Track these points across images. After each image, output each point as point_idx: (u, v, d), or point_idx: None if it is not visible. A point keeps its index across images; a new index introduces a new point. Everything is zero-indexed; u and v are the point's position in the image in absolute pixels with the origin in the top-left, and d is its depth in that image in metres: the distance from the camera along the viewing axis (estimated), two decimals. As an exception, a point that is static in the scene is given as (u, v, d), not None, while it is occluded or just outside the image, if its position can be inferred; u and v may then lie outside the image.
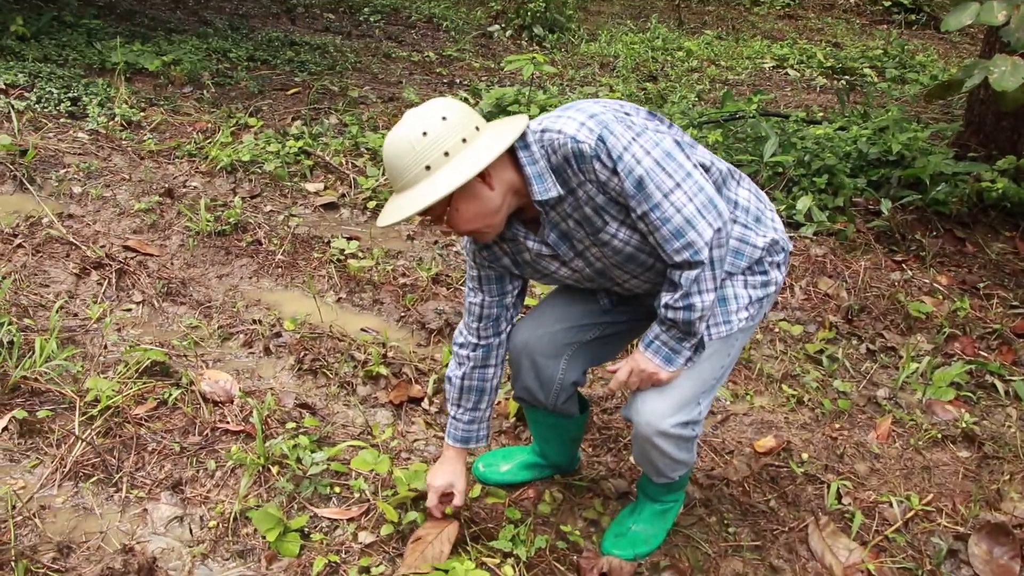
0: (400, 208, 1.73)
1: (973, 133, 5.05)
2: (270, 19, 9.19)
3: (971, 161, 4.73)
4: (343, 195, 4.42)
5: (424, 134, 1.71)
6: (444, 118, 1.72)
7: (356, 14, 9.84)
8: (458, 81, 7.16)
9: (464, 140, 1.72)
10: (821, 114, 6.20)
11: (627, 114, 1.80)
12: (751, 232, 1.96)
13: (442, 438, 2.58)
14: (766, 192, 4.52)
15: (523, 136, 1.80)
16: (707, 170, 1.89)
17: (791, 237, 4.18)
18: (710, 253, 1.76)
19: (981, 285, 3.93)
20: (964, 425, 2.89)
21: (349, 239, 3.89)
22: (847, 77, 8.11)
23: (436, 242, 4.03)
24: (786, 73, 8.28)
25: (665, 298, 1.84)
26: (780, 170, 4.58)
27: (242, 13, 9.29)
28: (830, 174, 4.58)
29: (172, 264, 3.64)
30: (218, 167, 4.55)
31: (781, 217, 4.26)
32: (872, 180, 4.67)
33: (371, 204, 4.29)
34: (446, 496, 2.17)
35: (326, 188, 4.49)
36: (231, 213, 3.96)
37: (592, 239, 1.86)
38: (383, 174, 4.23)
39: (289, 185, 4.48)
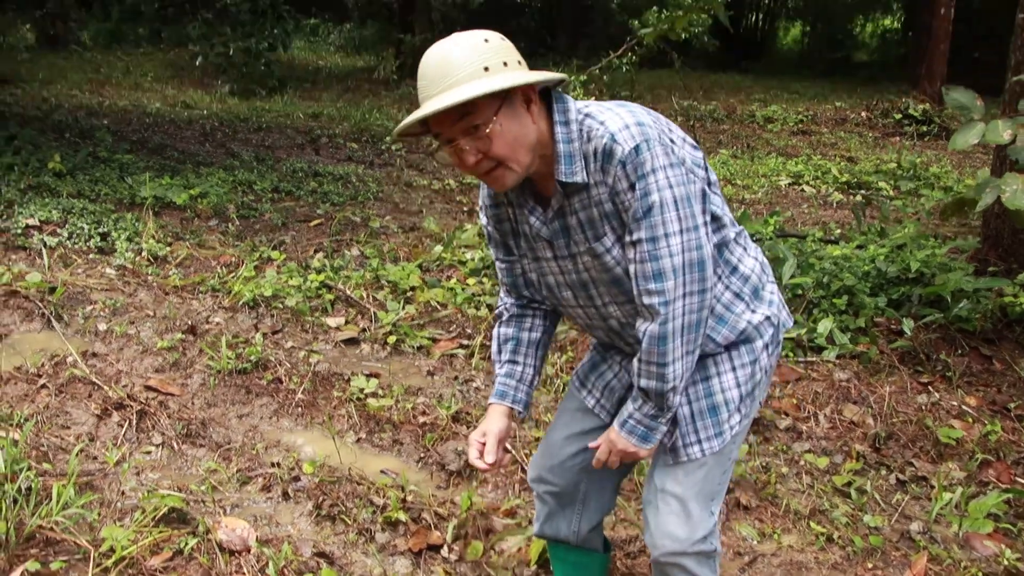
0: (450, 96, 1.65)
1: (991, 247, 5.04)
2: (295, 150, 9.49)
3: (991, 276, 4.71)
4: (364, 330, 4.44)
5: (486, 40, 1.70)
6: (501, 37, 1.75)
7: (378, 143, 10.13)
8: (478, 209, 7.28)
9: (519, 62, 1.73)
10: (839, 231, 6.23)
11: (672, 141, 1.76)
12: (742, 303, 1.89)
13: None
14: (786, 315, 4.51)
15: (565, 111, 1.78)
16: (718, 220, 1.86)
17: (812, 362, 4.14)
18: (681, 318, 1.73)
19: (1012, 405, 3.84)
20: (1006, 562, 2.78)
21: (369, 376, 3.89)
22: (862, 191, 8.19)
23: (456, 377, 4.02)
24: (802, 190, 8.38)
25: (636, 363, 1.81)
26: (800, 292, 4.57)
27: (268, 144, 9.62)
28: (850, 294, 4.56)
29: (193, 404, 3.65)
30: (240, 302, 4.61)
31: (801, 341, 4.25)
32: (893, 299, 4.65)
33: (391, 339, 4.31)
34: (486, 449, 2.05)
35: (347, 323, 4.53)
36: (252, 350, 3.98)
37: (588, 246, 1.82)
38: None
39: (310, 320, 4.52)
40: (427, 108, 1.67)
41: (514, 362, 2.08)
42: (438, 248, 5.62)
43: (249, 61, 13.55)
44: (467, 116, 1.68)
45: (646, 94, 15.61)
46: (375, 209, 7.05)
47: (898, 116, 13.00)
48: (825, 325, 4.25)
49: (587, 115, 1.76)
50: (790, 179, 8.77)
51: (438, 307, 4.72)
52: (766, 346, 1.92)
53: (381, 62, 16.87)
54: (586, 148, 1.73)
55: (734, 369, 1.90)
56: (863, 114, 13.60)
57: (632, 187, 1.69)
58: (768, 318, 1.92)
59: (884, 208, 6.45)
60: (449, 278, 5.15)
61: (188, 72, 15.48)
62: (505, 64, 1.68)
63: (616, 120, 1.70)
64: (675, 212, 1.69)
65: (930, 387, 3.98)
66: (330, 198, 7.22)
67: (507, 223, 1.98)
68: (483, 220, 2.03)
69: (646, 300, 1.74)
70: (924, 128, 12.41)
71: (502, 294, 2.12)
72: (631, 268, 1.77)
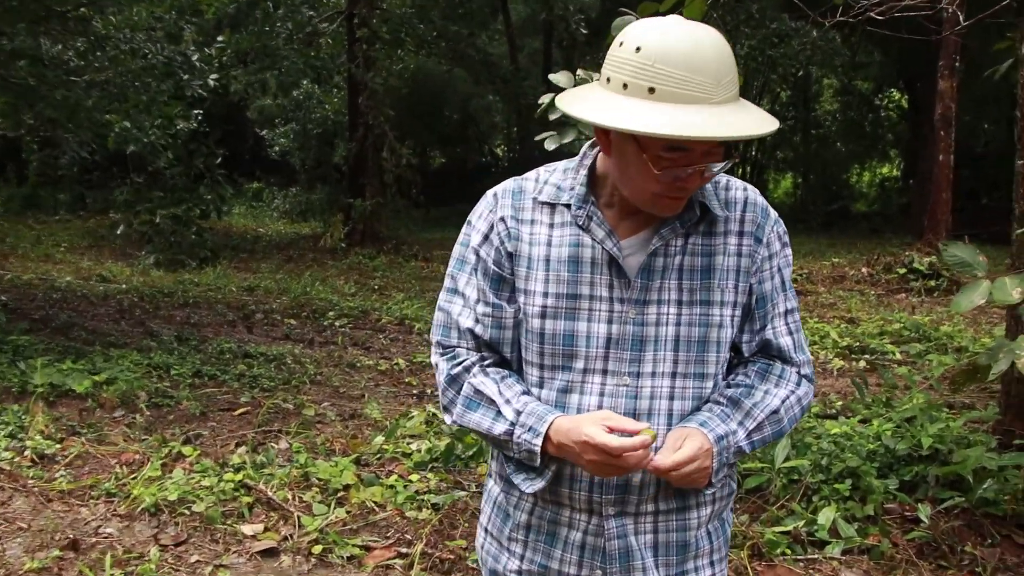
0: (764, 121, 1.62)
1: (1015, 416, 4.98)
2: (224, 328, 9.46)
3: (1018, 450, 4.63)
4: (285, 537, 4.24)
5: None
6: None
7: (320, 318, 10.15)
8: (429, 392, 7.20)
9: None
10: (840, 403, 6.17)
11: None
12: None
13: None
14: (779, 505, 4.38)
15: None
16: None
17: (813, 560, 3.98)
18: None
19: (1056, 606, 3.68)
20: None
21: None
22: (865, 357, 8.21)
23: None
24: (798, 357, 8.39)
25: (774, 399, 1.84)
26: (796, 477, 4.46)
27: (194, 322, 9.60)
28: (854, 477, 4.45)
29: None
30: (139, 508, 4.41)
31: (800, 535, 4.10)
32: (905, 481, 4.53)
33: (316, 548, 4.11)
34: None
35: (266, 530, 4.33)
36: (146, 568, 3.77)
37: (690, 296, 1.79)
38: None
39: (223, 528, 4.31)
40: (762, 127, 1.62)
41: (529, 393, 1.84)
42: (379, 439, 5.49)
43: (178, 229, 13.75)
44: (722, 143, 1.65)
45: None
46: (311, 394, 6.95)
47: (902, 271, 13.29)
48: (827, 515, 4.11)
49: None
50: (785, 346, 8.79)
51: (375, 508, 4.54)
52: None
53: (328, 229, 17.20)
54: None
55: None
56: (863, 270, 13.90)
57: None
58: None
59: (887, 376, 6.44)
60: (389, 473, 4.99)
61: (108, 242, 15.67)
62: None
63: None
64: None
65: (956, 587, 3.82)
66: (260, 383, 7.12)
67: (545, 248, 1.81)
68: (493, 239, 1.84)
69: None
70: (932, 283, 12.66)
71: (463, 352, 1.87)
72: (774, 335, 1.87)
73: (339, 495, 4.69)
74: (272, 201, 25.52)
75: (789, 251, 1.90)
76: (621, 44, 1.63)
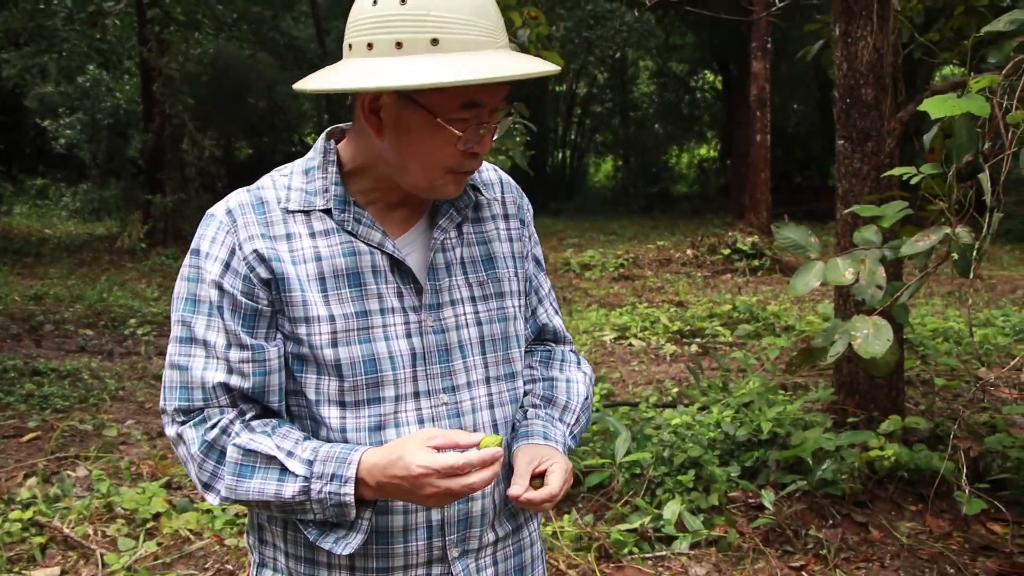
0: (533, 64, 1.47)
1: (848, 395, 5.18)
2: (7, 342, 8.80)
3: (853, 429, 4.81)
4: (86, 579, 3.93)
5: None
6: None
7: (120, 327, 9.61)
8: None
9: None
10: (676, 390, 6.28)
11: None
12: None
13: None
14: (623, 501, 4.38)
15: None
16: None
17: (661, 557, 4.00)
18: None
19: (899, 582, 3.82)
20: None
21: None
22: (697, 340, 8.43)
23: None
24: (630, 344, 8.54)
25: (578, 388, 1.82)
26: (638, 472, 4.47)
27: (-30, 338, 8.88)
28: (697, 467, 4.51)
29: None
30: (-93, 561, 3.98)
31: (646, 532, 4.11)
32: (746, 467, 4.64)
33: (124, 589, 3.82)
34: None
35: (63, 573, 4.00)
36: (-82, 631, 3.38)
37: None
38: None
39: None
40: (536, 66, 1.47)
41: (310, 438, 1.59)
42: (192, 456, 5.18)
43: (-51, 234, 12.74)
44: (507, 94, 1.54)
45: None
46: (113, 412, 6.53)
47: (726, 251, 13.82)
48: (672, 508, 4.14)
49: None
50: (615, 333, 8.95)
51: (190, 537, 4.27)
52: None
53: (125, 228, 16.39)
54: None
55: None
56: (688, 252, 14.38)
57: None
58: None
59: (722, 360, 6.60)
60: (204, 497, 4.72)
61: None
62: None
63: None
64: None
65: (803, 572, 3.91)
66: (52, 403, 6.64)
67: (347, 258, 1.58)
68: (238, 267, 1.55)
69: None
70: (756, 262, 13.22)
71: (214, 412, 1.56)
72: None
73: (148, 526, 4.40)
74: (60, 199, 24.13)
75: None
76: (375, 3, 1.45)
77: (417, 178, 1.54)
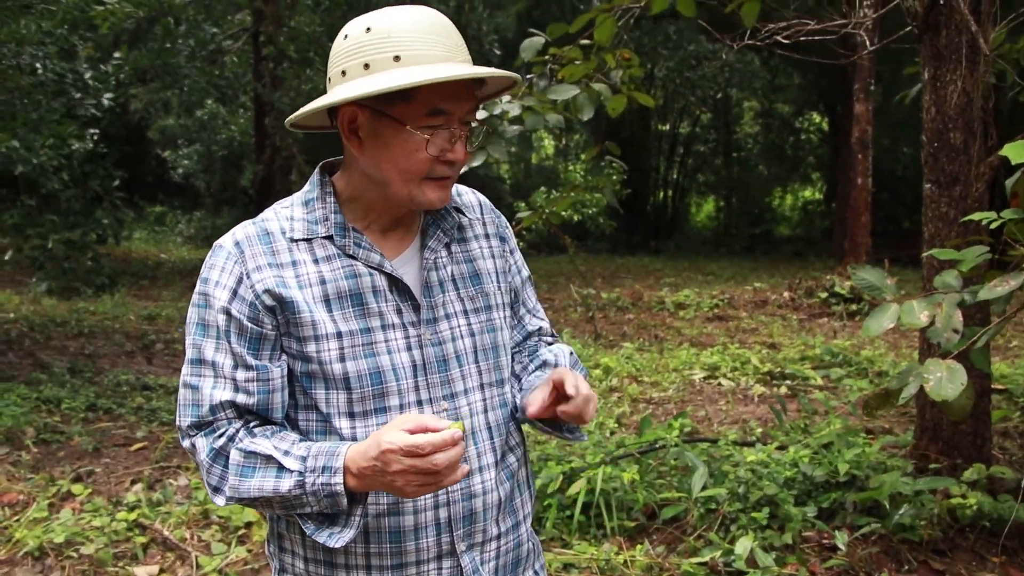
0: (480, 69, 1.65)
1: (930, 441, 5.12)
2: (122, 358, 9.23)
3: (934, 475, 4.74)
4: (181, 579, 4.15)
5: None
6: None
7: (224, 347, 9.95)
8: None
9: None
10: (760, 430, 6.28)
11: None
12: None
13: None
14: (696, 535, 4.42)
15: None
16: None
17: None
18: None
19: (974, 632, 3.78)
20: None
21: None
22: (787, 382, 8.38)
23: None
24: (719, 383, 8.53)
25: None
26: (713, 507, 4.51)
27: (89, 353, 9.34)
28: (772, 505, 4.52)
29: None
30: (21, 552, 4.27)
31: (717, 566, 4.15)
32: (823, 508, 4.62)
33: (215, 590, 4.03)
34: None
35: (162, 571, 4.23)
36: (28, 617, 3.64)
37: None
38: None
39: (114, 571, 4.20)
40: (482, 70, 1.65)
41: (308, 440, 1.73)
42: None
43: (73, 255, 13.38)
44: (474, 109, 1.70)
45: (542, 283, 16.06)
46: (213, 427, 6.80)
47: (824, 295, 13.61)
48: (744, 544, 4.16)
49: None
50: (705, 372, 8.93)
51: (278, 547, 4.46)
52: None
53: (235, 254, 16.90)
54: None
55: None
56: (785, 295, 14.21)
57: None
58: None
59: (804, 402, 6.58)
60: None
61: (-4, 269, 15.22)
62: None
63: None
64: None
65: (874, 614, 3.89)
66: (159, 416, 6.96)
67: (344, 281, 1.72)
68: (245, 294, 1.67)
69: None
70: (853, 307, 12.98)
71: (223, 423, 1.68)
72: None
73: (240, 533, 4.60)
74: (176, 225, 25.10)
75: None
76: (346, 37, 1.67)
77: (398, 188, 1.69)
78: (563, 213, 6.06)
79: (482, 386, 1.81)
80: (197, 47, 14.96)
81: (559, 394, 1.71)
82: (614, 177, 9.71)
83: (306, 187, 1.82)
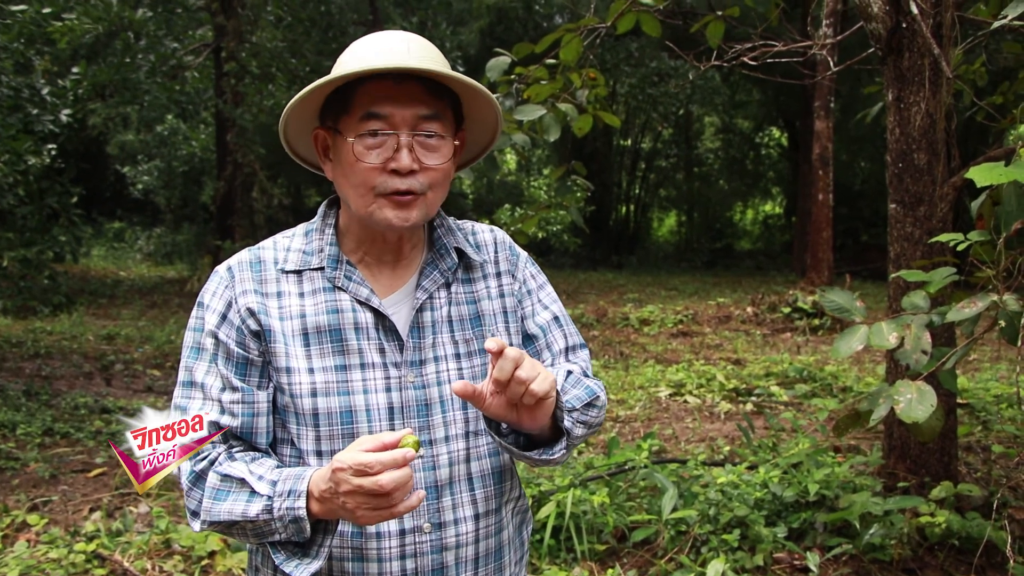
0: (403, 64, 1.60)
1: (899, 459, 5.13)
2: (80, 380, 9.07)
3: (903, 494, 4.75)
4: (141, 612, 4.04)
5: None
6: None
7: (185, 367, 9.81)
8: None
9: None
10: (727, 448, 6.27)
11: None
12: None
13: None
14: (667, 558, 4.38)
15: None
16: None
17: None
18: None
19: (943, 653, 3.77)
20: None
21: None
22: (752, 399, 8.39)
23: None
24: (684, 401, 8.52)
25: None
26: (683, 529, 4.48)
27: (45, 375, 9.17)
28: (743, 527, 4.50)
29: None
30: (-24, 589, 4.13)
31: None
32: (793, 528, 4.61)
33: (176, 623, 3.92)
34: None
35: (120, 604, 4.12)
36: (-18, 656, 3.51)
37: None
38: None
39: (71, 604, 4.08)
40: (429, 65, 1.61)
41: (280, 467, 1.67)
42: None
43: (29, 273, 13.14)
44: (433, 119, 1.64)
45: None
46: (174, 451, 6.67)
47: (787, 310, 13.70)
48: (716, 567, 4.12)
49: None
50: (671, 389, 8.93)
51: (242, 576, 4.37)
52: None
53: (195, 272, 16.79)
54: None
55: None
56: (748, 310, 14.28)
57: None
58: None
59: (772, 421, 6.58)
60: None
61: (-51, 290, 14.89)
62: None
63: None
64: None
65: (846, 636, 3.87)
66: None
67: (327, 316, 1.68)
68: (233, 318, 1.68)
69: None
70: (816, 321, 13.06)
71: (206, 447, 1.64)
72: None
73: (203, 563, 4.49)
74: (135, 242, 24.81)
75: (549, 286, 1.91)
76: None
77: (357, 204, 1.66)
78: (528, 232, 6.00)
79: (467, 434, 1.72)
80: (158, 62, 14.81)
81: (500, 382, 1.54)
82: (579, 195, 9.69)
83: (314, 218, 1.81)
